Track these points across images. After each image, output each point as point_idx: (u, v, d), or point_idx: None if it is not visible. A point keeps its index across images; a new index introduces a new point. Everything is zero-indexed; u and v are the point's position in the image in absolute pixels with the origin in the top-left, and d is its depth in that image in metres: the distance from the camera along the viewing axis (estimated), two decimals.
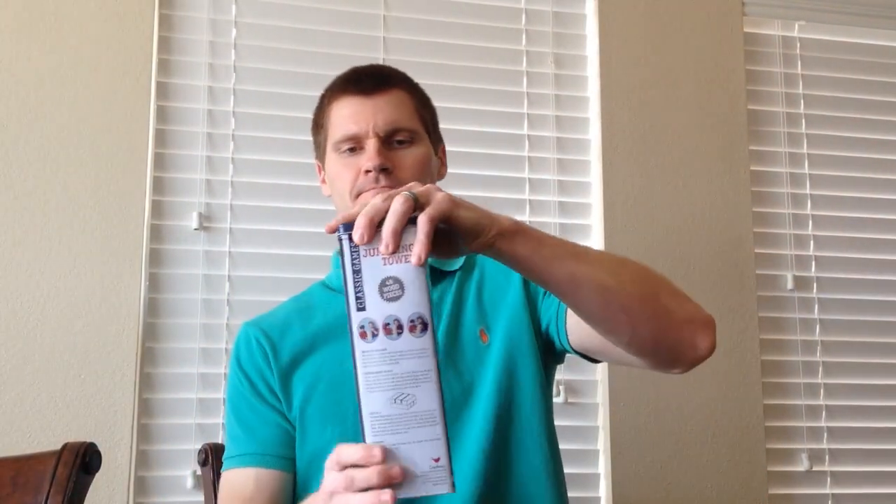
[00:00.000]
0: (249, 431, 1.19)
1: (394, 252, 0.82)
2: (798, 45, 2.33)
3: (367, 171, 1.18)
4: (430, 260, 1.22)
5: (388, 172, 1.18)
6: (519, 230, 0.90)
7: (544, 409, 1.20)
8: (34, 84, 1.86)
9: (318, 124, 1.28)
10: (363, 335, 0.83)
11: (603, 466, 2.00)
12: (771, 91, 2.28)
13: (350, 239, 0.84)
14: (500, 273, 1.23)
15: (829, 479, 2.14)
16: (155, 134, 1.91)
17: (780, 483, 2.11)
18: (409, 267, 0.84)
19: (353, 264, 0.84)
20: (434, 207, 0.84)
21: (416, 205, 0.83)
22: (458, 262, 1.27)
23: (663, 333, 1.00)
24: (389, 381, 0.83)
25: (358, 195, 1.20)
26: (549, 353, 1.22)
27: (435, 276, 1.25)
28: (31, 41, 1.88)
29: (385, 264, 0.83)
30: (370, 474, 0.82)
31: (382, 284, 0.83)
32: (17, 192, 1.82)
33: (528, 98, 2.14)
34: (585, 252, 0.96)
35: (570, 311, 1.14)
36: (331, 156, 1.24)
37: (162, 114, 1.94)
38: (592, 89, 2.16)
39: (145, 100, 1.90)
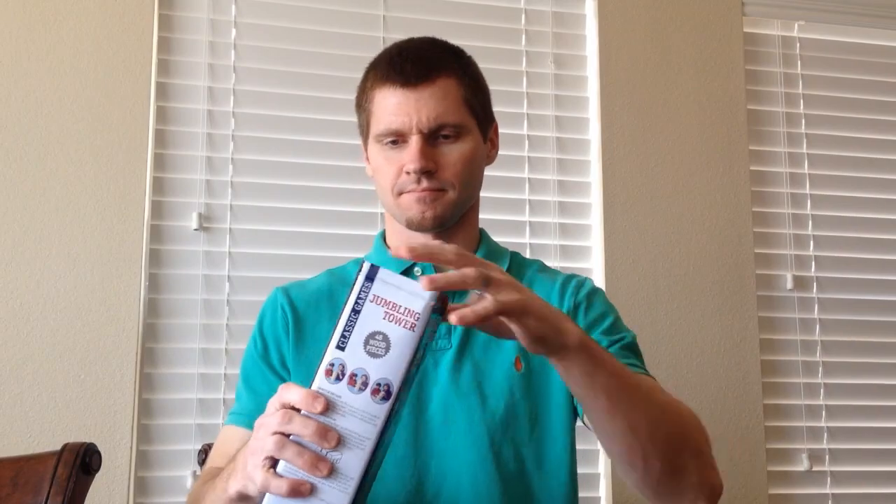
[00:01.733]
0: (252, 393, 1.19)
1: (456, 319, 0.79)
2: (798, 45, 2.33)
3: (409, 172, 1.16)
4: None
5: (430, 174, 1.16)
6: (583, 350, 0.87)
7: (570, 439, 1.20)
8: (34, 84, 1.86)
9: (361, 106, 1.23)
10: (328, 373, 0.81)
11: (603, 466, 2.00)
12: (771, 91, 2.28)
13: (368, 279, 0.81)
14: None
15: (829, 479, 2.14)
16: (155, 134, 1.91)
17: (780, 483, 2.11)
18: (405, 333, 0.80)
19: (356, 303, 0.81)
20: (504, 303, 0.81)
21: (486, 282, 0.81)
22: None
23: (668, 490, 1.00)
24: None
25: (399, 194, 1.18)
26: None
27: None
28: (31, 41, 1.88)
29: (385, 319, 0.80)
30: (305, 424, 0.80)
31: (371, 336, 0.80)
32: (17, 192, 1.82)
33: (528, 98, 2.14)
34: (635, 388, 0.94)
35: None
36: (374, 145, 1.21)
37: (162, 114, 1.94)
38: (592, 89, 2.17)
39: (145, 100, 1.90)
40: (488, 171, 2.06)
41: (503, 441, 1.14)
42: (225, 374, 1.86)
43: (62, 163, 1.85)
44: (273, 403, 0.85)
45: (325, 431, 0.80)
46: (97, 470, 1.24)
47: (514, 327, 0.83)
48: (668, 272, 2.10)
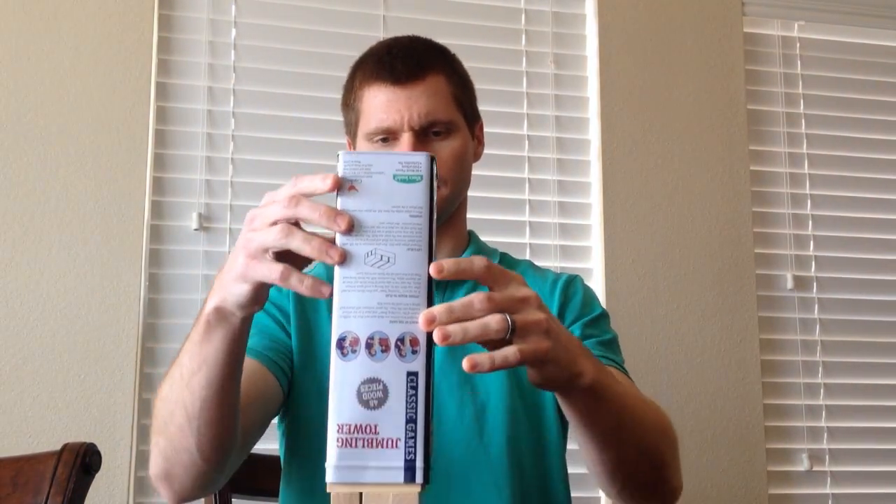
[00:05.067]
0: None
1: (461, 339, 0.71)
2: (798, 45, 2.33)
3: None
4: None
5: None
6: (591, 391, 0.83)
7: (563, 442, 1.21)
8: (34, 84, 1.86)
9: (348, 105, 1.23)
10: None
11: None
12: (771, 91, 2.28)
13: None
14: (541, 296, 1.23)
15: (829, 479, 2.14)
16: (155, 134, 1.91)
17: (780, 483, 2.11)
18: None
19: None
20: (526, 353, 0.74)
21: (511, 328, 0.73)
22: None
23: (642, 499, 1.02)
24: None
25: None
26: None
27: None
28: (31, 41, 1.88)
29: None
30: (314, 207, 0.72)
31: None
32: (17, 192, 1.82)
33: (528, 98, 2.14)
34: (631, 417, 0.92)
35: None
36: (363, 143, 1.20)
37: (162, 114, 1.94)
38: (592, 89, 2.16)
39: (145, 100, 1.90)
40: (489, 172, 2.07)
41: (495, 431, 1.14)
42: None
43: (62, 163, 1.85)
44: (272, 195, 0.76)
45: (334, 212, 0.71)
46: (97, 470, 1.24)
47: (528, 369, 0.79)
48: (668, 272, 2.10)
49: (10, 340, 1.77)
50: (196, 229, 1.91)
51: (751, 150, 2.22)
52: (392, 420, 0.69)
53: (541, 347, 0.75)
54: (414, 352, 0.70)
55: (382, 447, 0.69)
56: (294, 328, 1.17)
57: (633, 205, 2.11)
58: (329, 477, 0.69)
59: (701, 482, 2.03)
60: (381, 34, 2.06)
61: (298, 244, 0.73)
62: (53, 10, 1.89)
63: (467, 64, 1.25)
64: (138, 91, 1.90)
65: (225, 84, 1.99)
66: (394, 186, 0.72)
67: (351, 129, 1.25)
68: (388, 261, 0.71)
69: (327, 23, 2.05)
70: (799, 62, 2.32)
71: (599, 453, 0.92)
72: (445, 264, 0.72)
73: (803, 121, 2.29)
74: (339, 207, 0.72)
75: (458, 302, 0.72)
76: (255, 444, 1.10)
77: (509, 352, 0.73)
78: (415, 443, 0.69)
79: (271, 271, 0.74)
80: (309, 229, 0.74)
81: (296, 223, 0.74)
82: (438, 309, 0.70)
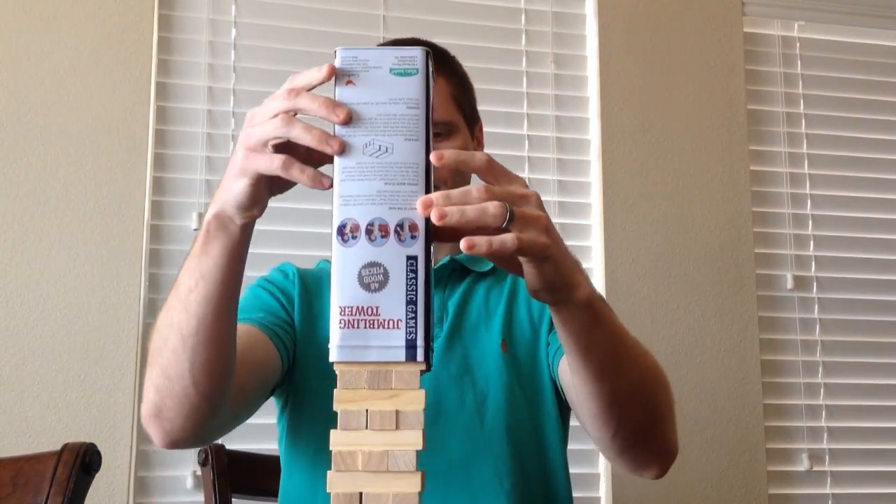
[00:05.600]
0: (248, 308, 1.14)
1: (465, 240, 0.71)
2: (798, 45, 2.33)
3: None
4: (461, 257, 1.22)
5: None
6: (588, 307, 0.83)
7: (564, 433, 1.20)
8: (34, 84, 1.86)
9: None
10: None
11: (603, 466, 2.00)
12: (771, 91, 2.28)
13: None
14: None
15: (829, 479, 2.14)
16: (155, 134, 1.91)
17: (780, 483, 2.11)
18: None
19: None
20: (524, 242, 0.73)
21: (510, 217, 0.73)
22: (490, 264, 1.24)
23: (632, 452, 1.01)
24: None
25: None
26: None
27: (462, 273, 1.24)
28: (31, 41, 1.88)
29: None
30: (314, 98, 0.73)
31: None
32: (17, 192, 1.82)
33: (528, 98, 2.14)
34: (628, 350, 0.92)
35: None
36: None
37: (162, 114, 1.94)
38: (592, 89, 2.17)
39: (145, 100, 1.90)
40: None
41: (496, 421, 1.14)
42: None
43: (62, 163, 1.85)
44: (272, 96, 0.78)
45: (333, 104, 0.72)
46: (97, 470, 1.24)
47: (526, 268, 0.78)
48: (668, 272, 2.10)
49: (10, 340, 1.77)
50: (196, 229, 1.91)
51: (751, 150, 2.22)
52: (393, 302, 0.70)
53: (539, 241, 0.75)
54: (413, 237, 0.71)
55: (384, 328, 0.70)
56: (297, 314, 1.18)
57: (633, 205, 2.11)
58: (332, 356, 0.70)
59: (701, 482, 2.03)
60: (381, 34, 2.06)
61: (299, 133, 0.74)
62: (53, 10, 1.89)
63: (467, 64, 1.25)
64: (138, 91, 1.90)
65: (225, 84, 1.99)
66: (391, 80, 0.74)
67: None
68: (387, 150, 0.72)
69: (327, 23, 2.05)
70: (799, 62, 2.32)
71: (594, 384, 0.90)
72: (446, 153, 0.73)
73: (803, 121, 2.29)
74: (337, 100, 0.73)
75: (456, 190, 0.72)
76: (249, 415, 1.09)
77: (508, 237, 0.72)
78: (415, 323, 0.70)
79: (272, 161, 0.75)
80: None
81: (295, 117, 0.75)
82: (436, 194, 0.71)
